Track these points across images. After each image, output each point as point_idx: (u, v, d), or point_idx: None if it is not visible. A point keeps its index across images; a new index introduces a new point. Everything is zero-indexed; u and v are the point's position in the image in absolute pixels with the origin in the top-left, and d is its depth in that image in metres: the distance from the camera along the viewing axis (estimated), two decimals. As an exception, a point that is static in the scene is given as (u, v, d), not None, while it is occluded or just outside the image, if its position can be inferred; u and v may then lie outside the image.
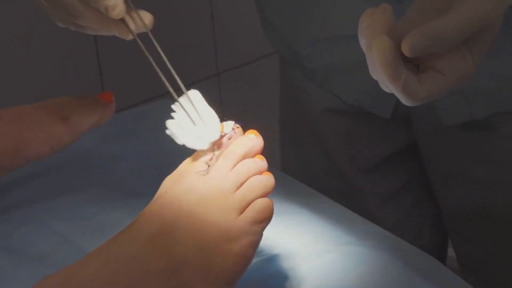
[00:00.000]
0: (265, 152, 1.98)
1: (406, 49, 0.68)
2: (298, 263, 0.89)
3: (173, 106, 0.82)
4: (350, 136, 1.19)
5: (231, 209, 0.77)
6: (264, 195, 0.79)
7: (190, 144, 0.80)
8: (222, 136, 0.82)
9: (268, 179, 0.80)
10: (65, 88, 1.62)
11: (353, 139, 1.19)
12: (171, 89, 0.82)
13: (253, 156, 0.81)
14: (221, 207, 0.77)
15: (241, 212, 0.78)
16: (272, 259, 0.90)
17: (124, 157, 1.08)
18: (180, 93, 0.84)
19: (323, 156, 1.23)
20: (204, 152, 0.82)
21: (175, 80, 0.83)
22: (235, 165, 0.80)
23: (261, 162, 0.81)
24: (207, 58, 1.86)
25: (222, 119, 0.84)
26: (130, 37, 0.86)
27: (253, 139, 0.82)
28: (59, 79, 1.64)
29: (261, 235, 0.78)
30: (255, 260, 0.89)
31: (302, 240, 0.93)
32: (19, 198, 1.00)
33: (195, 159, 0.81)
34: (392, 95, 1.08)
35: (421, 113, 1.12)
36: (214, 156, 0.81)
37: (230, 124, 0.83)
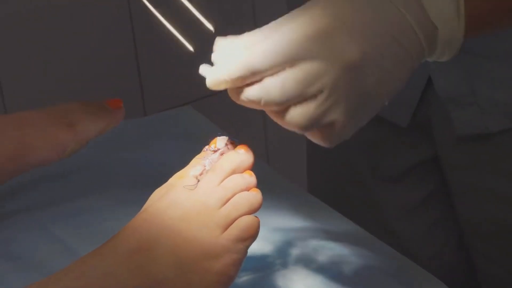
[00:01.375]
0: (293, 159, 1.97)
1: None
2: (294, 280, 0.88)
3: None
4: (371, 146, 1.18)
5: (215, 226, 0.76)
6: (250, 212, 0.78)
7: None
8: (214, 151, 0.81)
9: (254, 196, 0.78)
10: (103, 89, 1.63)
11: (374, 149, 1.18)
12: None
13: (242, 172, 0.80)
14: (204, 224, 0.76)
15: (225, 229, 0.76)
16: (268, 275, 0.89)
17: (134, 165, 1.07)
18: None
19: (346, 165, 1.21)
20: (194, 166, 0.80)
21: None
22: (222, 181, 0.78)
23: (249, 178, 0.79)
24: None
25: (216, 134, 0.82)
26: None
27: (243, 155, 0.80)
28: (98, 80, 1.65)
29: (245, 253, 0.77)
30: (250, 277, 0.88)
31: (301, 255, 0.92)
32: (24, 203, 1.01)
33: (184, 173, 0.80)
34: (410, 104, 1.07)
35: (440, 125, 1.10)
36: (204, 170, 0.80)
37: (223, 140, 0.82)
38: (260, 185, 1.05)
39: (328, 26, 0.70)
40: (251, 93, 0.72)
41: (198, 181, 0.79)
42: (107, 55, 1.63)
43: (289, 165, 1.92)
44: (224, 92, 0.75)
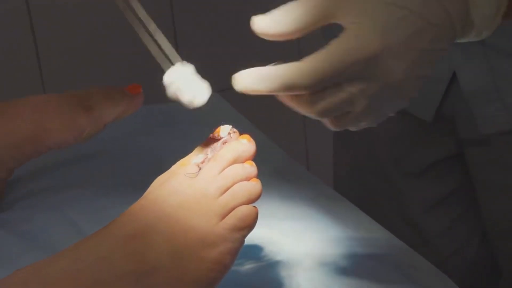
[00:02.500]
0: (319, 151, 1.95)
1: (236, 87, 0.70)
2: (296, 272, 0.87)
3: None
4: (396, 139, 1.17)
5: (212, 215, 0.76)
6: (249, 202, 0.78)
7: (187, 96, 0.78)
8: (217, 140, 0.81)
9: (254, 186, 0.78)
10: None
11: (398, 143, 1.17)
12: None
13: (244, 162, 0.80)
14: (202, 212, 0.76)
15: (223, 218, 0.76)
16: (271, 266, 0.88)
17: (152, 150, 1.08)
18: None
19: (371, 158, 1.21)
20: (196, 155, 0.81)
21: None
22: (223, 170, 0.79)
23: (250, 168, 0.79)
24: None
25: (220, 123, 0.83)
26: None
27: (245, 144, 0.80)
28: (131, 63, 1.66)
29: (241, 242, 0.77)
30: (253, 265, 0.88)
31: (309, 248, 0.91)
32: (41, 185, 1.03)
33: (187, 161, 0.81)
34: (434, 99, 1.05)
35: (464, 121, 1.08)
36: (206, 159, 0.80)
37: (226, 129, 0.82)
38: (280, 175, 1.06)
39: (372, 48, 0.68)
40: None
41: (200, 169, 0.80)
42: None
43: (314, 156, 1.92)
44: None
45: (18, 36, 1.53)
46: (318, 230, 0.95)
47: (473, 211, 1.20)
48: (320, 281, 0.86)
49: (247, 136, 0.81)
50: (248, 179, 0.79)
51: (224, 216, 0.77)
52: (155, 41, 0.80)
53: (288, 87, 0.69)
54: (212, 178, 0.78)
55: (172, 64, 0.79)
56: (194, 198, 0.77)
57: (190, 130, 1.12)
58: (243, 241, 0.77)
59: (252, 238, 0.85)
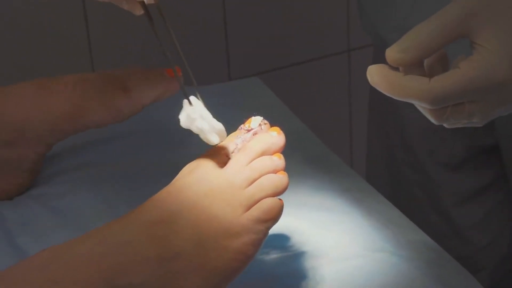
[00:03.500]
0: (353, 141, 1.96)
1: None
2: (321, 264, 0.88)
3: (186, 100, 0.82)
4: (431, 131, 1.16)
5: (237, 205, 0.77)
6: (274, 194, 0.78)
7: (206, 132, 0.80)
8: (248, 131, 0.82)
9: (281, 179, 0.79)
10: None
11: (433, 134, 1.16)
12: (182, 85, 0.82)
13: (272, 154, 0.80)
14: (227, 202, 0.77)
15: (248, 209, 0.77)
16: (297, 256, 0.89)
17: (188, 132, 1.09)
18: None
19: (406, 149, 1.21)
20: (226, 144, 0.82)
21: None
22: (251, 161, 0.79)
23: (278, 161, 0.80)
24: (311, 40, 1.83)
25: (252, 114, 0.83)
26: (140, 12, 0.85)
27: (274, 137, 0.81)
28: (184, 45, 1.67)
29: (265, 234, 0.78)
30: (279, 255, 0.89)
31: (337, 240, 0.92)
32: (77, 162, 1.04)
33: (217, 151, 0.81)
34: None
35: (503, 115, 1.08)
36: (236, 149, 0.81)
37: (257, 120, 0.83)
38: (313, 164, 1.06)
39: (501, 77, 0.69)
40: None
41: (229, 159, 0.81)
42: (194, 19, 1.64)
43: (355, 146, 1.92)
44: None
45: (70, 17, 1.55)
46: (346, 222, 0.95)
47: (507, 205, 1.19)
48: (345, 274, 0.86)
49: (277, 128, 0.82)
50: (275, 171, 0.79)
51: (249, 207, 0.77)
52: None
53: (413, 101, 0.71)
54: (239, 169, 0.79)
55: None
56: (221, 188, 0.78)
57: (230, 114, 1.12)
58: (267, 232, 0.78)
59: (280, 227, 0.86)
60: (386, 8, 1.10)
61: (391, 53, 0.71)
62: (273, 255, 0.88)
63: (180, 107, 1.13)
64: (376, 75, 0.72)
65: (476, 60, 0.69)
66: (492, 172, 1.18)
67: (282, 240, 0.91)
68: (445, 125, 0.74)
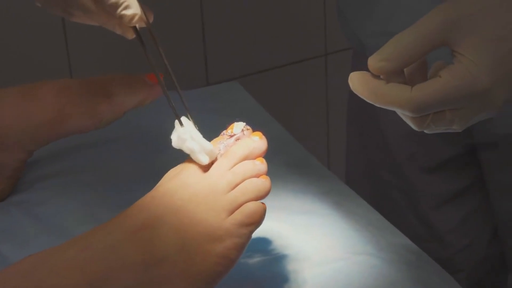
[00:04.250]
0: (336, 147, 1.96)
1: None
2: (303, 267, 0.88)
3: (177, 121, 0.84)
4: (410, 135, 1.17)
5: (221, 209, 0.78)
6: (257, 198, 0.79)
7: (196, 152, 0.81)
8: (230, 136, 0.83)
9: (263, 183, 0.80)
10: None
11: (412, 138, 1.18)
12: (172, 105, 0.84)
13: (255, 158, 0.81)
14: (211, 206, 0.78)
15: (231, 213, 0.78)
16: (279, 260, 0.90)
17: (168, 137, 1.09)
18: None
19: (385, 152, 1.21)
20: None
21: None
22: (234, 166, 0.80)
23: (260, 165, 0.81)
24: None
25: (234, 120, 0.84)
26: (132, 36, 0.86)
27: (257, 141, 0.82)
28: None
29: (248, 238, 0.79)
30: (261, 258, 0.90)
31: (318, 243, 0.92)
32: (58, 168, 1.05)
33: (199, 155, 0.82)
34: None
35: (479, 122, 1.09)
36: (219, 154, 0.82)
37: (240, 125, 0.83)
38: (294, 168, 1.07)
39: (481, 85, 0.71)
40: None
41: (212, 164, 0.81)
42: (172, 23, 1.65)
43: (332, 149, 1.93)
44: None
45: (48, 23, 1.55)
46: (327, 225, 0.96)
47: (485, 207, 1.21)
48: (327, 277, 0.87)
49: (259, 133, 0.83)
50: (258, 175, 0.80)
51: (232, 211, 0.78)
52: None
53: (395, 108, 0.72)
54: (222, 173, 0.80)
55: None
56: (204, 193, 0.78)
57: (211, 119, 1.13)
58: (250, 236, 0.79)
59: (262, 231, 0.86)
60: (365, 13, 1.11)
61: (372, 61, 0.72)
62: (255, 259, 0.89)
63: (161, 112, 1.14)
64: (358, 83, 0.73)
65: (457, 69, 0.70)
66: (470, 176, 1.19)
67: (264, 244, 0.92)
68: (425, 131, 0.75)
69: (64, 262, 0.74)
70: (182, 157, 0.84)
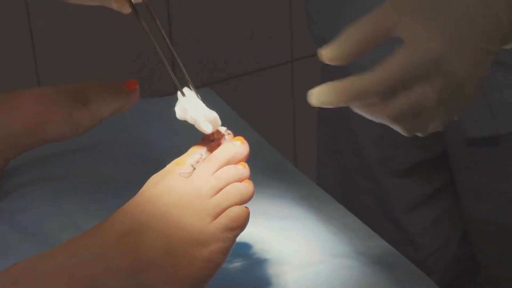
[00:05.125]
0: (303, 151, 1.98)
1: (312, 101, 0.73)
2: (284, 271, 0.89)
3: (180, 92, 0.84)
4: (381, 139, 1.19)
5: (205, 214, 0.79)
6: (241, 202, 0.80)
7: (199, 121, 0.82)
8: (212, 141, 0.84)
9: (246, 187, 0.81)
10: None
11: (384, 142, 1.19)
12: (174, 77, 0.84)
13: (237, 163, 0.82)
14: (195, 211, 0.79)
15: (215, 218, 0.79)
16: (259, 264, 0.90)
17: (143, 145, 1.10)
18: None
19: (357, 157, 1.23)
20: (191, 155, 0.83)
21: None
22: (217, 170, 0.81)
23: (243, 170, 0.82)
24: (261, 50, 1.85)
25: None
26: (129, 11, 0.86)
27: (238, 146, 0.83)
28: (130, 58, 1.68)
29: (233, 242, 0.79)
30: (243, 263, 0.91)
31: (297, 247, 0.94)
32: (37, 176, 1.04)
33: (182, 160, 0.83)
34: None
35: (450, 125, 1.11)
36: (201, 159, 0.83)
37: (222, 130, 0.84)
38: (270, 173, 1.08)
39: (436, 50, 0.72)
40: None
41: (194, 169, 0.82)
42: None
43: (299, 154, 1.95)
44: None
45: (16, 32, 1.55)
46: (306, 229, 0.97)
47: (455, 210, 1.23)
48: (307, 280, 0.88)
49: (241, 138, 0.84)
50: (240, 180, 0.81)
51: (216, 216, 0.79)
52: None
53: (362, 96, 0.72)
54: (206, 178, 0.80)
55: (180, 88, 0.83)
56: (188, 198, 0.79)
57: (188, 126, 1.14)
58: (235, 240, 0.80)
59: (242, 235, 0.86)
60: (334, 18, 1.13)
61: (323, 51, 0.73)
62: (236, 263, 0.90)
63: (139, 119, 1.15)
64: (321, 94, 0.73)
65: (409, 43, 0.72)
66: (440, 179, 1.21)
67: (244, 248, 0.92)
68: (418, 134, 0.76)
69: (53, 269, 0.74)
70: (159, 164, 0.85)
